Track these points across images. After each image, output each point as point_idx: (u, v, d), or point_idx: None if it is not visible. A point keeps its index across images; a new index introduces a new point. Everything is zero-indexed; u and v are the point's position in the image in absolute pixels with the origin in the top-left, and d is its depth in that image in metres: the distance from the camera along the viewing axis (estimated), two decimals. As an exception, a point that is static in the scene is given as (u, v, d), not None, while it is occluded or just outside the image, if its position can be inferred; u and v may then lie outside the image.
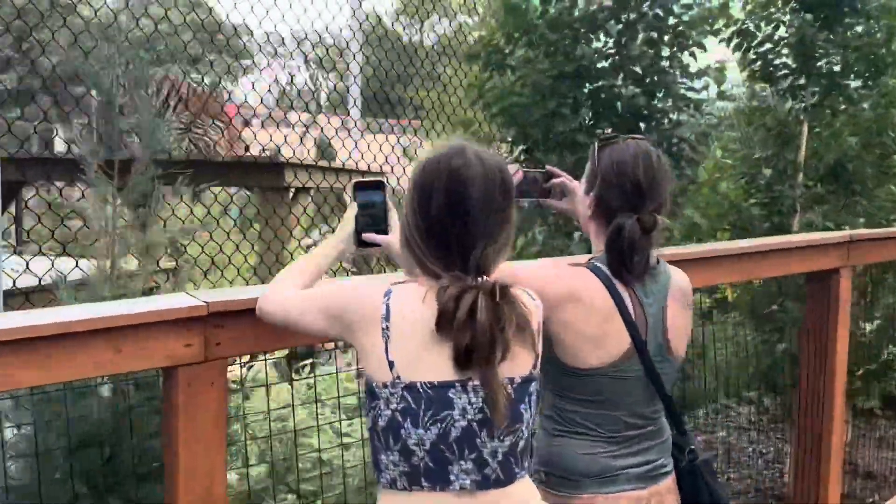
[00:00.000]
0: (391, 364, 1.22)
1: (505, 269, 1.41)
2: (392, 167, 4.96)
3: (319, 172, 5.84)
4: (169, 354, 1.64)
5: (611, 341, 1.57)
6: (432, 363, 1.21)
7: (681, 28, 3.48)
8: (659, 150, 1.73)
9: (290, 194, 6.03)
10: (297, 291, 1.48)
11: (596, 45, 3.39)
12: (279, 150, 6.15)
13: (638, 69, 3.45)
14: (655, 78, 3.43)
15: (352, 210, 1.71)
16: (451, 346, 1.19)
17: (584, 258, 1.76)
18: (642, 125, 3.52)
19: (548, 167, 2.04)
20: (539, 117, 3.36)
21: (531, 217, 3.38)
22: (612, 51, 3.40)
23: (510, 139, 3.69)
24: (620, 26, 3.52)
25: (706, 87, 3.48)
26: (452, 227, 1.26)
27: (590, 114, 3.37)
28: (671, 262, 1.81)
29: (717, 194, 3.69)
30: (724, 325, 4.71)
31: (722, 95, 3.47)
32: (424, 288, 1.24)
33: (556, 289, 1.55)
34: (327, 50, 6.77)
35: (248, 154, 6.20)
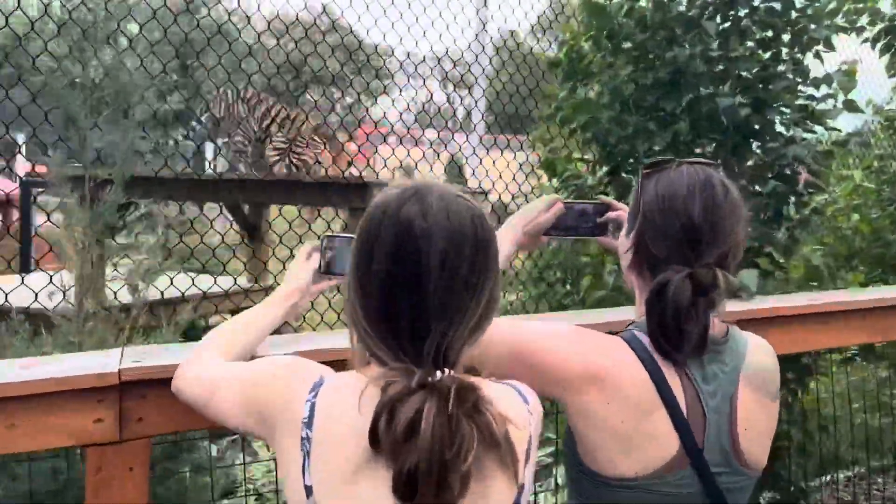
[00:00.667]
0: (308, 490, 0.89)
1: (502, 333, 1.16)
2: (520, 185, 4.73)
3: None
4: (73, 432, 1.33)
5: (651, 444, 1.16)
6: (365, 494, 0.88)
7: (802, 24, 2.85)
8: (725, 179, 1.27)
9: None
10: (218, 365, 1.17)
11: (694, 47, 2.85)
12: (371, 169, 5.94)
13: (747, 75, 2.87)
14: (769, 86, 2.83)
15: (302, 257, 1.38)
16: (390, 470, 0.86)
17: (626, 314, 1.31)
18: (754, 144, 2.94)
19: (602, 198, 1.64)
20: (623, 134, 2.87)
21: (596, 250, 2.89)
22: (714, 53, 2.84)
23: (593, 160, 3.21)
24: (728, 24, 2.95)
25: (831, 96, 2.84)
26: (400, 301, 0.93)
27: (687, 129, 2.83)
28: (760, 322, 1.32)
29: (846, 227, 3.00)
30: (864, 374, 3.95)
31: (851, 106, 2.81)
32: (365, 382, 0.91)
33: (574, 367, 1.18)
34: (453, 63, 6.56)
35: (329, 174, 6.04)
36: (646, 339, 1.19)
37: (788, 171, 2.82)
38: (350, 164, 6.76)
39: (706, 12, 2.90)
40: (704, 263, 1.17)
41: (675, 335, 1.15)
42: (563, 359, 1.17)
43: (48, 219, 6.19)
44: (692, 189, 1.21)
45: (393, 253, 0.93)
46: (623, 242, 1.35)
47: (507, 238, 1.55)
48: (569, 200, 1.60)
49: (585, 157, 3.25)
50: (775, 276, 2.74)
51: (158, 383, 1.30)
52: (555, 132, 3.45)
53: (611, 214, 1.57)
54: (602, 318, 1.77)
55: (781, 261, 2.78)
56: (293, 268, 1.41)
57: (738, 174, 2.88)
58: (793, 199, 2.81)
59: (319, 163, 6.46)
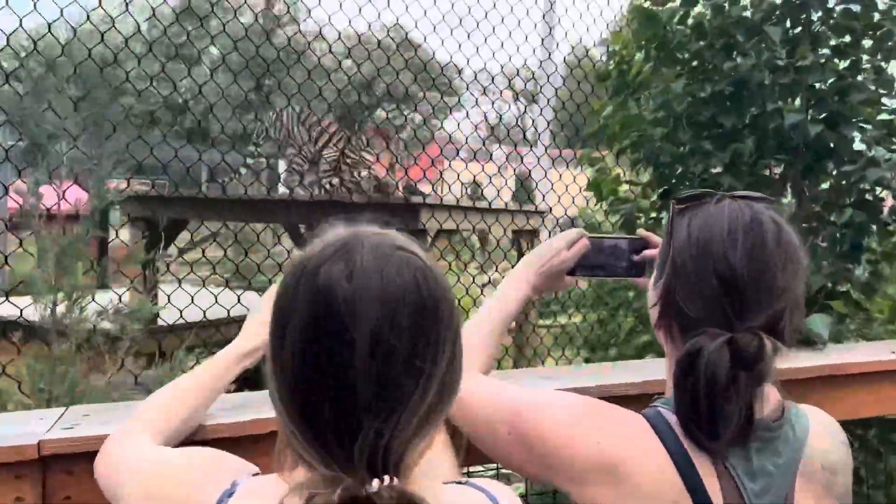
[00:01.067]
0: None
1: (496, 399, 1.04)
2: (587, 201, 4.52)
3: (460, 213, 5.33)
4: (-13, 513, 1.15)
5: None
6: None
7: (886, 27, 2.49)
8: (778, 217, 1.02)
9: (429, 236, 5.59)
10: (137, 450, 0.99)
11: (760, 56, 2.52)
12: (414, 188, 5.77)
13: (820, 86, 2.52)
14: (846, 98, 2.47)
15: (267, 304, 1.19)
16: None
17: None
18: (829, 165, 2.57)
19: (642, 232, 1.41)
20: (676, 154, 2.57)
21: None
22: (781, 62, 2.51)
23: (644, 182, 2.91)
24: (799, 29, 2.61)
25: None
26: (320, 391, 0.72)
27: (752, 149, 2.50)
28: (837, 380, 1.07)
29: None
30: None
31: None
32: (285, 490, 0.71)
33: (583, 453, 0.97)
34: (509, 78, 6.37)
35: (378, 193, 5.89)
36: (674, 420, 0.96)
37: (869, 197, 2.45)
38: (399, 185, 6.60)
39: (773, 17, 2.57)
40: (749, 327, 0.92)
41: (710, 419, 0.91)
42: (570, 443, 0.97)
43: (116, 235, 6.31)
44: (734, 230, 0.98)
45: (308, 328, 0.72)
46: (650, 294, 1.10)
47: (520, 279, 1.34)
48: (597, 235, 1.40)
49: (636, 177, 2.95)
50: (854, 319, 2.38)
51: (88, 457, 1.11)
52: (604, 150, 3.16)
53: (649, 252, 1.36)
54: (640, 373, 1.49)
55: (861, 301, 2.41)
56: (253, 321, 1.20)
57: (810, 200, 2.54)
58: (874, 228, 2.44)
59: (365, 180, 6.32)
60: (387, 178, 6.15)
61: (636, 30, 2.83)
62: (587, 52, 4.53)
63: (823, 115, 2.48)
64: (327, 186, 5.96)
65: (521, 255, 7.22)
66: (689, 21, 2.67)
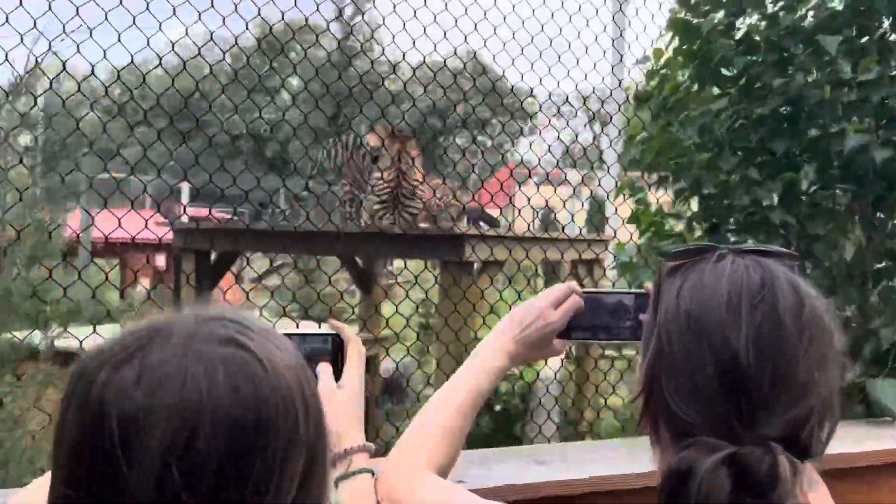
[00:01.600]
0: None
1: None
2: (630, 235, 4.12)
3: (502, 244, 5.05)
4: None
5: None
6: None
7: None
8: (801, 282, 0.75)
9: (476, 269, 5.34)
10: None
11: (822, 70, 2.17)
12: (483, 213, 5.52)
13: (892, 103, 2.13)
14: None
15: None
16: None
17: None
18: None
19: (649, 287, 1.10)
20: (721, 183, 2.23)
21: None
22: (845, 76, 2.15)
23: (688, 214, 2.57)
24: (865, 39, 2.24)
25: None
26: None
27: (811, 176, 2.14)
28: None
29: None
30: None
31: None
32: None
33: None
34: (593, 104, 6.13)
35: (427, 226, 5.67)
36: None
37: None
38: (454, 215, 6.35)
39: (834, 25, 2.22)
40: (759, 437, 0.69)
41: None
42: None
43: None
44: (737, 300, 0.73)
45: (73, 462, 0.54)
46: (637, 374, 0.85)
47: (495, 348, 1.12)
48: (594, 290, 1.22)
49: (682, 208, 2.62)
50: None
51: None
52: (643, 177, 2.85)
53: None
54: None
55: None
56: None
57: (883, 235, 2.16)
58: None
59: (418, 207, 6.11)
60: (436, 202, 5.89)
61: (677, 45, 2.52)
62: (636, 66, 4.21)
63: (894, 136, 2.10)
64: (377, 218, 5.81)
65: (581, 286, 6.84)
66: (735, 33, 2.35)
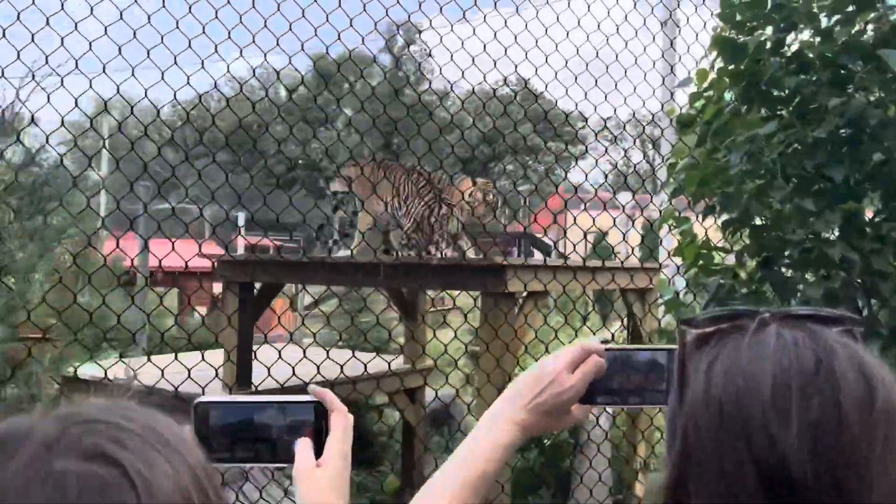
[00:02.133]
0: None
1: None
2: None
3: (549, 273, 4.86)
4: None
5: None
6: None
7: None
8: (869, 359, 0.59)
9: (520, 299, 5.15)
10: None
11: (888, 87, 1.94)
12: (536, 240, 5.35)
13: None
14: None
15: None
16: None
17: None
18: None
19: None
20: (772, 214, 2.01)
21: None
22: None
23: (738, 247, 2.35)
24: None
25: None
26: None
27: (876, 206, 1.92)
28: None
29: None
30: None
31: None
32: None
33: None
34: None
35: (468, 255, 5.50)
36: None
37: None
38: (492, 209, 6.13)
39: (894, 39, 1.99)
40: None
41: None
42: None
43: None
44: (784, 390, 0.58)
45: None
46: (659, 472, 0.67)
47: (503, 419, 0.96)
48: (621, 347, 1.05)
49: (731, 241, 2.40)
50: None
51: None
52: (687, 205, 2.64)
53: None
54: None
55: None
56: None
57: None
58: None
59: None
60: (466, 206, 5.67)
61: (722, 65, 2.33)
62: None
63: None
64: (412, 246, 5.69)
65: (630, 315, 6.58)
66: (786, 50, 2.14)
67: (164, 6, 2.52)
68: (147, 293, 13.59)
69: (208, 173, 3.77)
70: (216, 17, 2.65)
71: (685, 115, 2.57)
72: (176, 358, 3.04)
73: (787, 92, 2.17)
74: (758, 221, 2.15)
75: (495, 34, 3.47)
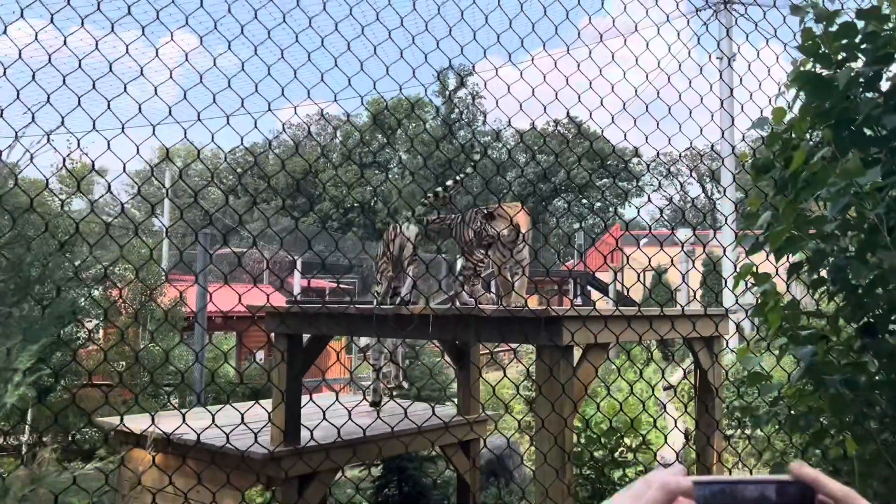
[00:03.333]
0: None
1: None
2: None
3: (621, 323, 4.51)
4: None
5: None
6: None
7: None
8: None
9: (577, 353, 4.80)
10: None
11: None
12: (593, 278, 5.04)
13: None
14: None
15: None
16: None
17: None
18: None
19: (803, 472, 0.81)
20: (876, 274, 1.68)
21: None
22: None
23: (831, 309, 2.01)
24: None
25: None
26: None
27: None
28: None
29: None
30: None
31: None
32: None
33: None
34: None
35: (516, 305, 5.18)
36: None
37: None
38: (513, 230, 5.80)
39: None
40: None
41: None
42: None
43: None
44: None
45: None
46: None
47: None
48: (716, 479, 0.81)
49: (822, 304, 2.07)
50: None
51: None
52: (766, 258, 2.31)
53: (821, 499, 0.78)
54: None
55: None
56: None
57: None
58: None
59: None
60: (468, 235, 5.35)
61: (804, 103, 2.03)
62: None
63: None
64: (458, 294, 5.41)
65: (698, 366, 6.14)
66: (881, 85, 1.83)
67: (229, 48, 2.43)
68: (204, 339, 13.62)
69: (268, 219, 3.73)
70: (268, 73, 2.56)
71: (761, 160, 2.26)
72: (213, 421, 2.85)
73: (885, 132, 1.85)
74: (856, 282, 1.82)
75: (544, 77, 3.28)
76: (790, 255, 2.11)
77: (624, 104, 3.45)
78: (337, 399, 3.13)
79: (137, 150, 2.43)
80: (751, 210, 2.19)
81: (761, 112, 2.54)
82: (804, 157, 1.89)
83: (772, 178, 2.31)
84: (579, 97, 3.30)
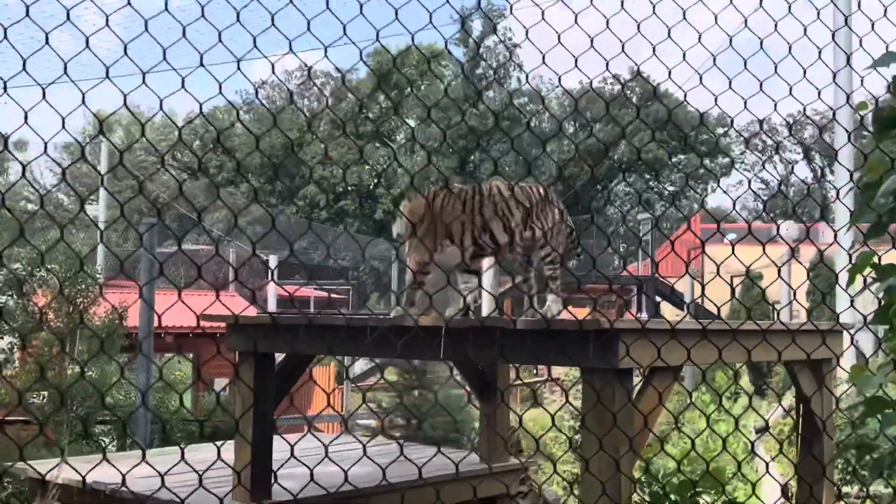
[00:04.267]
0: None
1: None
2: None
3: (692, 338, 4.41)
4: None
5: None
6: None
7: None
8: None
9: (637, 378, 4.73)
10: None
11: None
12: (664, 285, 4.99)
13: None
14: None
15: None
16: None
17: None
18: None
19: None
20: None
21: None
22: None
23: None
24: None
25: None
26: None
27: None
28: None
29: None
30: None
31: None
32: None
33: None
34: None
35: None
36: None
37: None
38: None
39: None
40: None
41: None
42: None
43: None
44: None
45: None
46: None
47: None
48: None
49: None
50: None
51: None
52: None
53: None
54: None
55: None
56: None
57: None
58: None
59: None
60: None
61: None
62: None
63: None
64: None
65: (800, 397, 6.01)
66: None
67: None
68: (149, 364, 13.74)
69: (234, 205, 3.68)
70: (237, 19, 2.55)
71: (887, 111, 2.18)
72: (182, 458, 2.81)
73: None
74: None
75: (607, 22, 3.13)
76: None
77: (714, 57, 3.35)
78: (310, 431, 3.07)
79: (63, 123, 2.40)
80: (871, 178, 2.11)
81: (887, 47, 2.46)
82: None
83: (899, 136, 2.23)
84: (654, 49, 3.19)
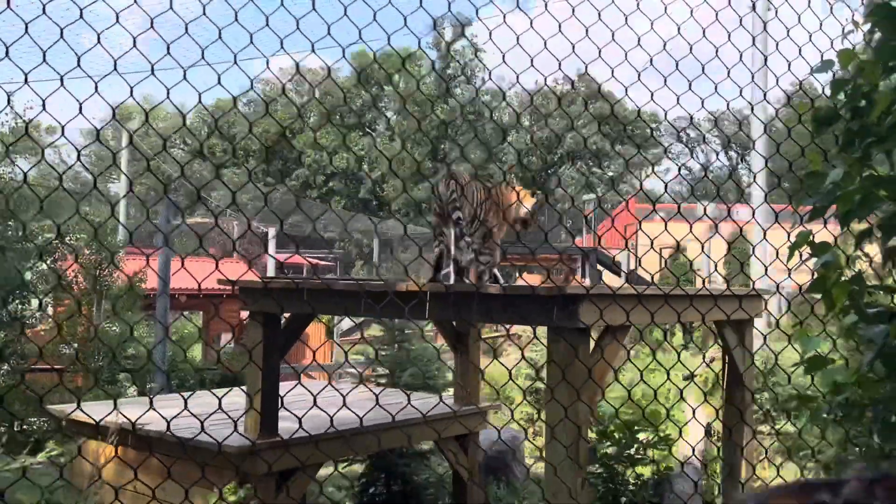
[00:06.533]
0: None
1: None
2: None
3: (633, 302, 4.43)
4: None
5: None
6: None
7: None
8: None
9: (597, 336, 4.75)
10: None
11: None
12: (607, 256, 5.00)
13: None
14: None
15: None
16: None
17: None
18: None
19: None
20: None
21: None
22: None
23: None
24: None
25: None
26: None
27: None
28: None
29: None
30: None
31: None
32: None
33: None
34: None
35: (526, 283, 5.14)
36: None
37: None
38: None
39: None
40: None
41: None
42: None
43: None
44: None
45: None
46: None
47: None
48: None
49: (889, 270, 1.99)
50: None
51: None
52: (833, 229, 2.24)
53: None
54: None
55: None
56: None
57: None
58: None
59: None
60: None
61: (882, 43, 1.95)
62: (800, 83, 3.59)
63: None
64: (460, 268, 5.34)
65: (727, 352, 6.10)
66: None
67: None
68: (168, 318, 13.54)
69: (237, 185, 3.62)
70: (235, 19, 2.48)
71: (825, 110, 2.18)
72: (185, 407, 2.78)
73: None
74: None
75: (560, 26, 3.13)
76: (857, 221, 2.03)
77: (651, 59, 3.34)
78: (330, 383, 3.06)
79: (80, 108, 2.32)
80: (812, 168, 2.11)
81: (800, 51, 2.45)
82: (888, 103, 1.81)
83: (833, 132, 2.23)
84: (600, 52, 3.18)
